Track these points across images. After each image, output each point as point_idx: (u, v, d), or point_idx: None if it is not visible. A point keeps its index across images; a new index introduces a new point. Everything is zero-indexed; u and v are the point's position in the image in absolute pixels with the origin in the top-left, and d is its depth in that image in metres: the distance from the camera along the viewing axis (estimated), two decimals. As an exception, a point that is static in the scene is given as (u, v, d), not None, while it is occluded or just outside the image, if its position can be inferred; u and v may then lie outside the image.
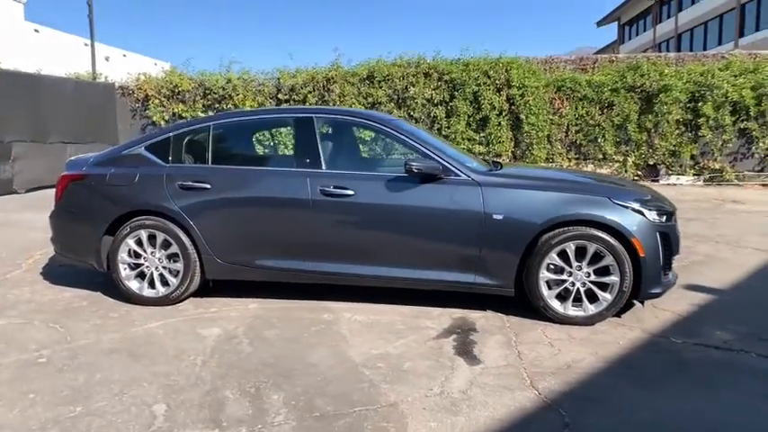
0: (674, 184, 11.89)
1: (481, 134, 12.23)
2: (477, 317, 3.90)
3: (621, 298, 3.66)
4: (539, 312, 3.80)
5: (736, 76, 11.76)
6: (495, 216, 3.70)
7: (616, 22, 40.56)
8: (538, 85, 12.05)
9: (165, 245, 4.06)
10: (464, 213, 3.75)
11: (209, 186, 4.00)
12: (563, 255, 3.68)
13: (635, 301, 3.94)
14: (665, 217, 3.76)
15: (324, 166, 3.97)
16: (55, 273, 5.00)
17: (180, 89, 12.75)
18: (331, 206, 3.87)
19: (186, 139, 4.27)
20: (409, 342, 3.47)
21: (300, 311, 4.00)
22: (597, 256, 3.66)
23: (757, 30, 24.58)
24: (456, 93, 12.14)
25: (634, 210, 3.67)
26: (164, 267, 4.10)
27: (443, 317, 3.89)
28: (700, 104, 11.74)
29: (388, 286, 4.02)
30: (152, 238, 4.08)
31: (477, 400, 2.75)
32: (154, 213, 4.06)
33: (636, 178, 12.06)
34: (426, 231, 3.82)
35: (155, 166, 4.16)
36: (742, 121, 11.73)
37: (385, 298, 4.16)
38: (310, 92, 12.40)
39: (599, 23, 41.09)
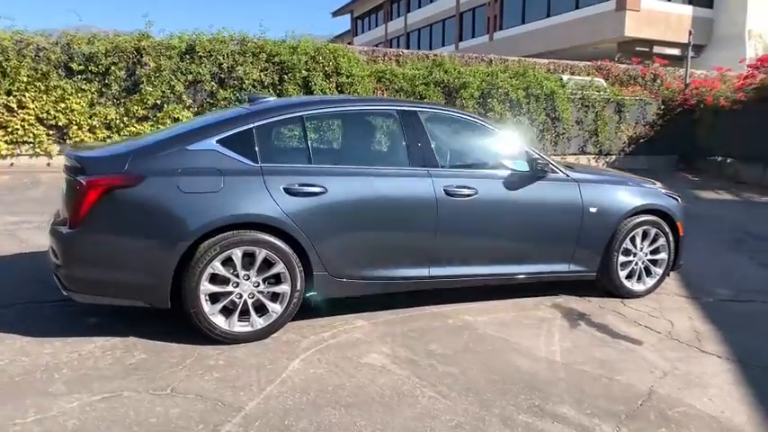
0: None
1: (312, 120, 12.19)
2: (562, 302, 4.30)
3: (667, 271, 4.55)
4: (606, 291, 4.42)
5: (512, 78, 14.35)
6: (591, 209, 4.15)
7: (349, 15, 43.73)
8: (363, 74, 12.58)
9: (266, 264, 3.32)
10: (569, 208, 4.10)
11: (323, 190, 3.41)
12: (633, 239, 4.36)
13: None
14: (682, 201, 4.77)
15: (439, 164, 3.80)
16: (6, 319, 3.48)
17: None
18: (455, 207, 3.75)
19: (274, 132, 3.51)
20: (564, 335, 3.68)
21: (420, 321, 3.78)
22: (654, 239, 4.44)
23: (473, 36, 29.87)
24: (286, 76, 11.80)
25: (673, 198, 4.57)
26: (259, 292, 3.35)
27: (544, 306, 4.19)
28: (489, 100, 13.96)
29: (503, 284, 4.11)
30: (247, 256, 3.28)
31: (698, 372, 3.24)
32: (253, 226, 3.27)
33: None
34: (540, 226, 4.04)
35: (241, 165, 3.31)
36: (516, 115, 14.39)
37: (470, 296, 4.19)
38: (115, 63, 10.42)
39: (334, 14, 43.66)
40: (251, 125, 3.42)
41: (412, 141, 3.77)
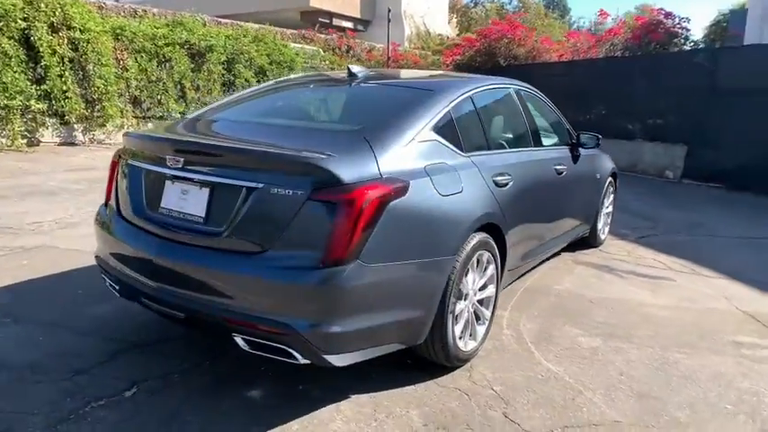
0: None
1: (42, 87, 9.59)
2: (573, 258, 4.99)
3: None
4: (586, 243, 5.31)
5: (253, 42, 14.02)
6: (596, 175, 4.91)
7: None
8: (99, 30, 10.44)
9: (484, 268, 2.98)
10: (592, 176, 4.78)
11: (511, 179, 3.19)
12: (608, 196, 5.33)
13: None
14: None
15: (542, 143, 3.93)
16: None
17: None
18: (559, 183, 3.98)
19: (462, 115, 3.02)
20: (633, 285, 4.38)
21: (526, 296, 3.96)
22: (610, 195, 5.51)
23: None
24: (-3, 28, 8.91)
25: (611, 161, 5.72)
26: (478, 301, 3.00)
27: (570, 263, 4.84)
28: (236, 65, 13.35)
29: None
30: (476, 262, 2.89)
31: (733, 290, 4.38)
32: (486, 227, 2.88)
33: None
34: (584, 195, 4.62)
35: (458, 157, 2.82)
36: (264, 82, 14.15)
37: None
38: None
39: None
40: (447, 107, 2.92)
41: (529, 121, 3.81)
